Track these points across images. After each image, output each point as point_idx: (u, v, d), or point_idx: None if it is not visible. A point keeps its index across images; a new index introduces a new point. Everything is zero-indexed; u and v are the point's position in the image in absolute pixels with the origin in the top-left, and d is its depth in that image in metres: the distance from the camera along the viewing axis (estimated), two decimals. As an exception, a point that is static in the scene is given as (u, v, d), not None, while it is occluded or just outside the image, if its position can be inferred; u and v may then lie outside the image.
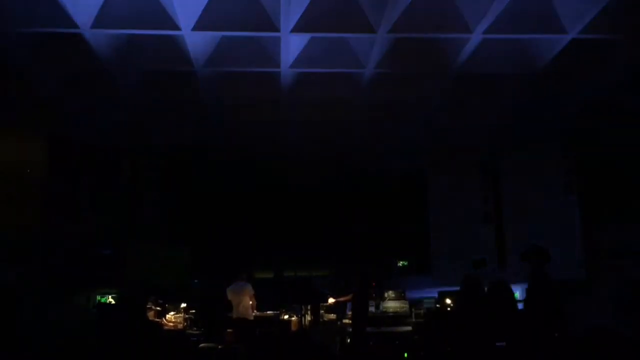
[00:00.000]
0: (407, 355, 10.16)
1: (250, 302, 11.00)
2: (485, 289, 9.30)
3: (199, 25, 7.89)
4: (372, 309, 11.71)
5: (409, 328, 11.42)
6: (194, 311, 11.98)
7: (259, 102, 10.57)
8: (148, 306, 11.38)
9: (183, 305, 11.87)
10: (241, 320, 10.93)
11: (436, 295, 12.80)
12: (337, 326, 11.56)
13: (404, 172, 14.66)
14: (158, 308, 11.59)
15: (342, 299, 11.77)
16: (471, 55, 8.75)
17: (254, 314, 11.16)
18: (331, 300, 12.03)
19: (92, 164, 12.52)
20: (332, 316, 11.97)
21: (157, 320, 11.40)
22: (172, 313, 11.72)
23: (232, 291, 11.11)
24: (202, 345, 10.99)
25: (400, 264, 15.52)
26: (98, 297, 12.13)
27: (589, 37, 8.24)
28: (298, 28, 7.95)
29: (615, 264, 11.46)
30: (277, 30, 7.97)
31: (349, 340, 11.13)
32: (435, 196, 14.24)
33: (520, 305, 11.43)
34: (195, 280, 12.55)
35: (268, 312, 11.89)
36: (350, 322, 11.37)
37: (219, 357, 10.56)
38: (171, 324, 11.53)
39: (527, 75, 9.42)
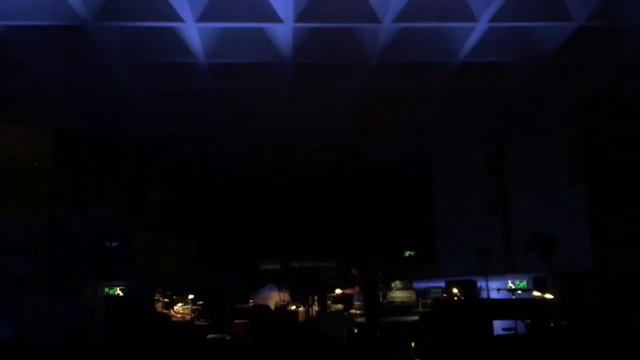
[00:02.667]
0: (414, 344, 10.18)
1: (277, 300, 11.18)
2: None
3: (203, 17, 7.88)
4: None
5: (416, 318, 11.43)
6: (201, 302, 12.03)
7: (262, 93, 10.54)
8: (156, 298, 11.43)
9: (191, 296, 11.92)
10: (259, 307, 11.03)
11: (443, 284, 12.79)
12: (344, 317, 11.58)
13: (410, 161, 14.61)
14: (166, 300, 11.64)
15: (349, 290, 11.78)
16: (477, 44, 8.70)
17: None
18: (338, 291, 12.05)
19: (98, 157, 12.55)
20: (339, 307, 11.99)
21: (165, 311, 11.46)
22: (180, 304, 11.77)
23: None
24: (210, 335, 11.05)
25: (407, 254, 15.52)
26: (106, 289, 12.20)
27: (595, 25, 8.18)
28: (302, 18, 7.92)
29: (623, 253, 11.42)
30: (281, 21, 7.94)
31: (356, 331, 11.15)
32: (442, 186, 14.21)
33: (528, 295, 11.46)
34: (202, 272, 12.57)
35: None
36: (358, 312, 11.39)
37: (227, 347, 10.62)
38: (179, 315, 11.58)
39: (533, 64, 9.36)
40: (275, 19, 7.92)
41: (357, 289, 11.53)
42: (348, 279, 11.97)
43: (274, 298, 11.24)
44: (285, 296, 11.41)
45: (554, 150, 12.31)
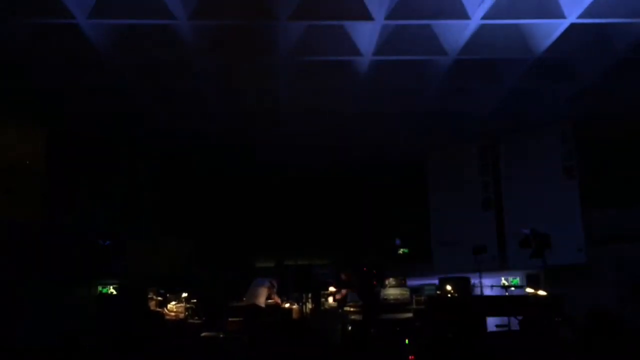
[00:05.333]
0: (408, 341, 10.19)
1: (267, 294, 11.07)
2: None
3: (196, 14, 7.85)
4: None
5: (410, 315, 11.45)
6: (195, 300, 12.00)
7: (257, 90, 10.53)
8: (149, 296, 11.40)
9: (184, 294, 11.89)
10: (249, 306, 10.96)
11: (437, 281, 12.82)
12: (338, 314, 11.59)
13: (403, 159, 14.63)
14: (159, 298, 11.61)
15: (338, 296, 11.70)
16: (470, 41, 8.71)
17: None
18: (332, 288, 12.04)
19: (92, 155, 12.50)
20: (333, 304, 11.99)
21: (159, 310, 11.43)
22: (173, 303, 11.74)
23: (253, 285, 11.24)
24: (203, 333, 11.03)
25: (401, 251, 15.52)
26: (99, 288, 12.16)
27: (587, 22, 8.20)
28: (296, 15, 7.90)
29: (615, 248, 11.48)
30: (275, 18, 7.93)
31: (350, 328, 11.15)
32: (435, 183, 14.24)
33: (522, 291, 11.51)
34: (196, 270, 12.58)
35: (269, 300, 11.93)
36: (352, 310, 11.40)
37: (220, 345, 10.61)
38: (173, 313, 11.56)
39: (526, 60, 9.39)
40: (270, 16, 7.90)
41: (344, 292, 11.48)
42: (340, 283, 11.93)
43: (263, 293, 11.07)
44: (272, 292, 11.23)
45: (547, 146, 12.34)
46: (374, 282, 11.94)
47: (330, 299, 11.95)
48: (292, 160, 14.53)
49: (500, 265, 12.68)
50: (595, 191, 11.92)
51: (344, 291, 11.48)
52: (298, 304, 11.89)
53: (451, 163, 13.92)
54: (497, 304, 10.22)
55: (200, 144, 13.50)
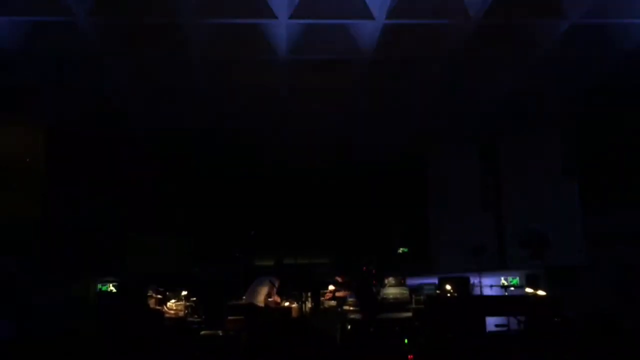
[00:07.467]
0: (408, 341, 10.20)
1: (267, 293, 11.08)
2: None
3: (196, 12, 7.84)
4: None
5: (409, 314, 11.45)
6: (194, 299, 12.00)
7: (257, 89, 10.51)
8: (149, 294, 11.39)
9: (184, 292, 11.89)
10: (247, 305, 10.97)
11: (436, 281, 12.82)
12: (337, 313, 11.59)
13: (403, 158, 14.63)
14: (159, 296, 11.60)
15: (340, 294, 11.70)
16: (470, 40, 8.69)
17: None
18: (331, 287, 12.05)
19: (91, 152, 12.49)
20: (333, 303, 11.99)
21: (158, 308, 11.42)
22: (172, 301, 11.74)
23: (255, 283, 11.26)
24: (203, 332, 11.04)
25: (401, 250, 15.52)
26: (99, 286, 12.16)
27: (589, 22, 8.19)
28: (296, 14, 7.89)
29: (616, 250, 11.48)
30: (275, 17, 7.92)
31: (349, 327, 11.16)
32: (435, 183, 14.23)
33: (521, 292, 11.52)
34: (196, 268, 12.56)
35: (269, 299, 11.93)
36: (351, 309, 11.40)
37: (220, 343, 10.61)
38: (172, 311, 11.55)
39: (527, 60, 9.37)
40: (270, 14, 7.89)
41: (346, 292, 11.48)
42: (336, 284, 11.93)
43: (262, 292, 11.07)
44: (273, 292, 11.26)
45: (547, 146, 12.34)
46: (374, 282, 11.95)
47: (329, 297, 11.94)
48: (292, 159, 14.52)
49: (500, 265, 12.68)
50: (595, 192, 11.90)
51: (343, 292, 11.48)
52: (297, 303, 11.88)
53: (451, 163, 13.92)
54: (497, 304, 10.25)
55: (200, 143, 13.49)
